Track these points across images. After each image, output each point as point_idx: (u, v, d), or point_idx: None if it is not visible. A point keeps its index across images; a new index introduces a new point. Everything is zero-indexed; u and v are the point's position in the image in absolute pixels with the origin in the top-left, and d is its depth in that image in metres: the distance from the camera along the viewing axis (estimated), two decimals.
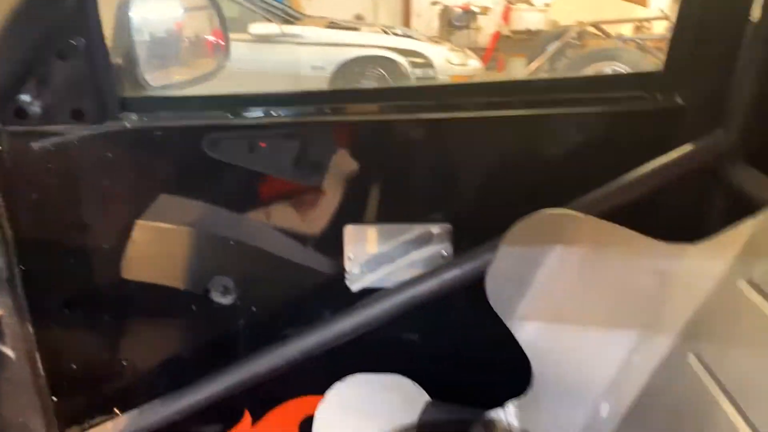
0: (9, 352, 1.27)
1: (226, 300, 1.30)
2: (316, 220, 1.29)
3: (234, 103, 1.23)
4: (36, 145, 1.16)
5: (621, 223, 1.05)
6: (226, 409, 1.40)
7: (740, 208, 0.98)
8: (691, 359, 0.96)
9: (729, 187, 1.04)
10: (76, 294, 1.29)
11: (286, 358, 1.23)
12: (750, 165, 1.05)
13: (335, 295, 1.29)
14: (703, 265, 0.97)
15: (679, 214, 1.10)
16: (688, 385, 0.95)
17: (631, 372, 1.05)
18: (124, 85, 1.24)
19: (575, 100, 1.21)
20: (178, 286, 1.29)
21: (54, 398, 1.35)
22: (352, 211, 1.27)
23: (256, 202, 1.29)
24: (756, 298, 0.88)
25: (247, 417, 1.40)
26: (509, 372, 1.20)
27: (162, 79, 1.35)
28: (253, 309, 1.31)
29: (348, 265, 1.28)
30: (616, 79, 1.15)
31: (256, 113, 1.22)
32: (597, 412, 1.11)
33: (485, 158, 1.24)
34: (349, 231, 1.27)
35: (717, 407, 0.87)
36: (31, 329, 1.28)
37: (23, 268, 1.23)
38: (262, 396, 1.39)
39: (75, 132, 1.16)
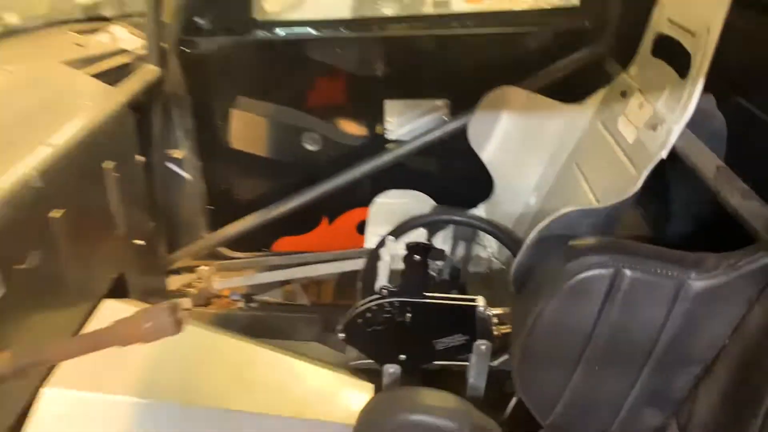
0: (188, 176, 2.16)
1: (314, 147, 2.16)
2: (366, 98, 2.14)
3: (323, 24, 2.03)
4: (207, 48, 2.00)
5: (545, 95, 1.87)
6: (311, 217, 2.29)
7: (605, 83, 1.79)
8: (574, 167, 1.80)
9: (602, 72, 1.84)
10: (225, 141, 2.16)
11: (352, 177, 2.10)
12: (615, 61, 1.84)
13: (380, 143, 2.14)
14: (582, 115, 1.80)
15: (576, 89, 1.90)
16: (570, 181, 1.79)
17: (545, 176, 1.90)
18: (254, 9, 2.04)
19: (523, 23, 2.01)
20: (287, 137, 2.15)
21: (210, 207, 2.25)
22: (389, 91, 2.10)
23: (331, 91, 2.12)
24: (603, 130, 1.71)
25: (324, 221, 2.29)
26: (480, 185, 2.07)
27: (272, 7, 2.15)
28: (331, 154, 2.17)
29: (387, 125, 2.13)
30: (549, 10, 1.98)
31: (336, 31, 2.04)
32: (528, 203, 1.98)
33: (468, 60, 2.05)
34: (388, 104, 2.10)
35: (580, 188, 1.72)
36: (200, 162, 2.17)
37: (197, 123, 2.10)
38: (333, 208, 2.27)
39: (229, 41, 1.99)
